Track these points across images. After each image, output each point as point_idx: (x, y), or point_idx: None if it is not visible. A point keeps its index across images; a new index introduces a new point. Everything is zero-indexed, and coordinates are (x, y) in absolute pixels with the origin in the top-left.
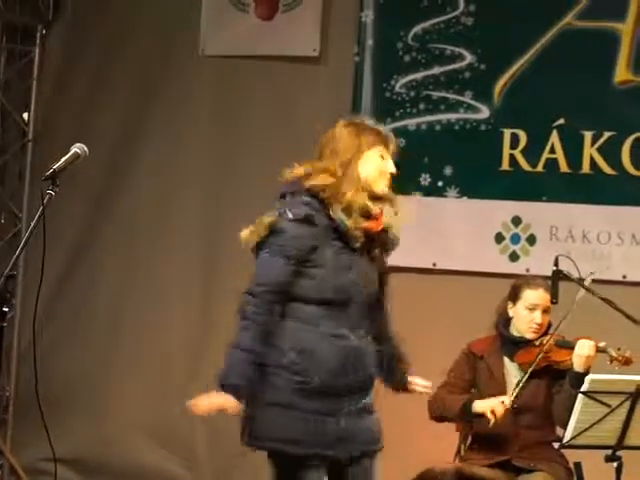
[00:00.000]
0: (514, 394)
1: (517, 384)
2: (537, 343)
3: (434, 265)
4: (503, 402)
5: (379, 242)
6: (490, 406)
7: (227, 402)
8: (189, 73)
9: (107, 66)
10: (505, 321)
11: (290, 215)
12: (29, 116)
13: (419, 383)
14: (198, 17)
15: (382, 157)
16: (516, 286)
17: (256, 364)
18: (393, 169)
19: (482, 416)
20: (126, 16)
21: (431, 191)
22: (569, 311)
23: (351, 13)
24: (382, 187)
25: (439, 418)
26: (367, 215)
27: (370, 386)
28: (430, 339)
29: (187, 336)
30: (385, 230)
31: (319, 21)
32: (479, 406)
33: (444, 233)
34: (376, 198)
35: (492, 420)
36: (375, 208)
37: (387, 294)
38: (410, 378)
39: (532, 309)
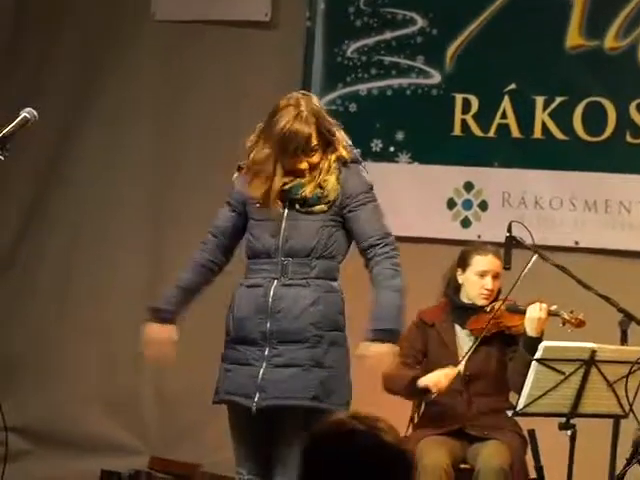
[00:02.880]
0: (464, 361)
1: (467, 351)
2: (488, 309)
3: None
4: (447, 374)
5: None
6: (433, 379)
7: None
8: (140, 38)
9: (56, 32)
10: (455, 288)
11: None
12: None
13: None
14: None
15: (290, 155)
16: (465, 252)
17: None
18: (303, 165)
19: (428, 391)
20: None
21: (382, 156)
22: (519, 276)
23: None
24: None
25: (390, 392)
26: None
27: (300, 338)
28: None
29: (134, 306)
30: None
31: None
32: (423, 381)
33: (395, 199)
34: None
35: (435, 393)
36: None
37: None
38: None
39: (482, 275)
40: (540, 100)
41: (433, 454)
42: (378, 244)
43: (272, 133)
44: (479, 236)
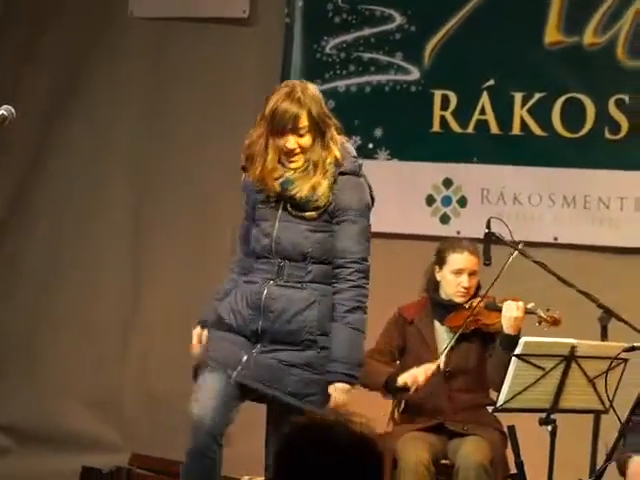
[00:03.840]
0: (442, 357)
1: (445, 347)
2: (467, 306)
3: None
4: (426, 369)
5: (282, 196)
6: (412, 376)
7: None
8: (119, 35)
9: (37, 30)
10: (434, 285)
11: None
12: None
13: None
14: None
15: (279, 134)
16: (441, 250)
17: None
18: (290, 145)
19: (406, 389)
20: None
21: (361, 153)
22: (499, 274)
23: None
24: (290, 165)
25: (369, 389)
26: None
27: (292, 341)
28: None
29: (119, 303)
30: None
31: None
32: (401, 379)
33: (375, 194)
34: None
35: (413, 389)
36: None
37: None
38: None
39: (458, 273)
40: (519, 96)
41: (414, 450)
42: (348, 268)
43: (264, 114)
44: (458, 232)
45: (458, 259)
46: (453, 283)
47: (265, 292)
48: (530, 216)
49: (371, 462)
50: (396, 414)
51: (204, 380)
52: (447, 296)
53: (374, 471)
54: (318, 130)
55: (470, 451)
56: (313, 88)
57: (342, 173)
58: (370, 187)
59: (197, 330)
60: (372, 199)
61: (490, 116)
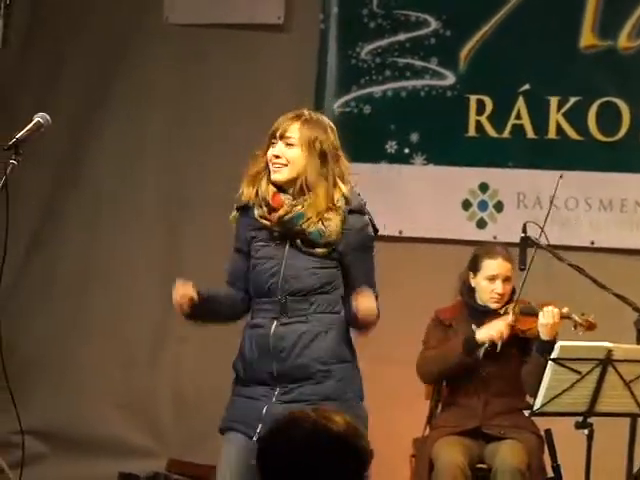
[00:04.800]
0: (510, 315)
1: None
2: (502, 312)
3: (400, 233)
4: (506, 322)
5: (291, 232)
6: (495, 330)
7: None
8: (153, 42)
9: (71, 35)
10: (469, 290)
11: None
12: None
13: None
14: None
15: (272, 145)
16: (475, 256)
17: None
18: (275, 151)
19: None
20: None
21: (397, 158)
22: (525, 276)
23: None
24: (273, 175)
25: (434, 376)
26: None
27: (307, 374)
28: (397, 307)
29: (152, 307)
30: (294, 220)
31: None
32: (483, 334)
33: (411, 200)
34: (276, 186)
35: (498, 338)
36: (267, 190)
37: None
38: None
39: (492, 279)
40: (554, 100)
41: (450, 453)
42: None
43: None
44: (495, 237)
45: (492, 265)
46: (487, 289)
47: (271, 333)
48: (566, 220)
49: (349, 461)
50: (433, 417)
51: (226, 453)
52: (482, 302)
53: (354, 470)
54: (317, 154)
55: (507, 455)
56: (324, 117)
57: (351, 211)
58: (372, 221)
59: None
60: (375, 231)
61: (526, 120)
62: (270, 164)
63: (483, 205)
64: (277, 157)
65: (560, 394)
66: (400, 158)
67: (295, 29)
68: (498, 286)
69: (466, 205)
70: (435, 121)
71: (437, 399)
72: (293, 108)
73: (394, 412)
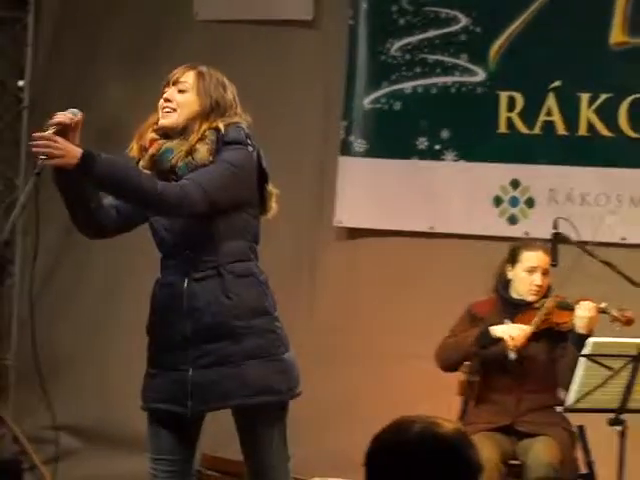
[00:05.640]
0: (534, 324)
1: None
2: (537, 305)
3: (431, 229)
4: (521, 328)
5: (164, 172)
6: (509, 331)
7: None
8: (183, 38)
9: (101, 32)
10: (504, 284)
11: None
12: (24, 83)
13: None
14: None
15: (163, 94)
16: (514, 248)
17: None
18: (166, 95)
19: (500, 342)
20: None
21: (428, 155)
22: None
23: None
24: (160, 120)
25: (451, 361)
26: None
27: (225, 333)
28: (428, 303)
29: None
30: (164, 156)
31: None
32: (498, 330)
33: (442, 197)
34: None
35: (512, 345)
36: (148, 138)
37: None
38: None
39: (531, 271)
40: (585, 97)
41: (484, 450)
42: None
43: None
44: (526, 233)
45: (532, 257)
46: (526, 281)
47: (185, 292)
48: (597, 216)
49: (461, 470)
50: (465, 414)
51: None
52: (518, 295)
53: (461, 476)
54: (208, 104)
55: (540, 451)
56: (221, 74)
57: (226, 143)
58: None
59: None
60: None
61: (557, 117)
62: (160, 110)
63: (514, 201)
64: (167, 100)
65: (592, 390)
66: (431, 154)
67: (325, 25)
68: (537, 278)
69: (497, 201)
70: (466, 118)
71: (469, 395)
72: (323, 104)
73: (424, 409)
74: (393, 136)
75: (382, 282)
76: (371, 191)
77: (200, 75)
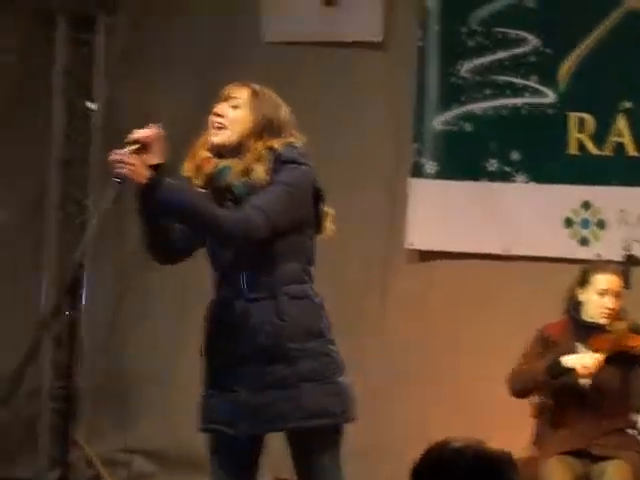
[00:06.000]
0: (603, 354)
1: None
2: (609, 328)
3: (503, 251)
4: (592, 356)
5: (220, 191)
6: (581, 360)
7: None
8: (250, 58)
9: (169, 53)
10: (576, 306)
11: None
12: (94, 104)
13: None
14: (259, 2)
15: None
16: (586, 271)
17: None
18: (217, 109)
19: (572, 371)
20: (187, 2)
21: (498, 176)
22: None
23: None
24: (211, 137)
25: (522, 389)
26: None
27: (280, 355)
28: (500, 325)
29: None
30: (220, 174)
31: (383, 6)
32: (569, 360)
33: (512, 218)
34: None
35: (584, 374)
36: (201, 156)
37: None
38: None
39: (602, 294)
40: None
41: (557, 473)
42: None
43: None
44: (598, 255)
45: (603, 280)
46: (597, 304)
47: (236, 311)
48: None
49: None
50: (538, 437)
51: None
52: (590, 317)
53: None
54: (261, 122)
55: (614, 475)
56: (275, 94)
57: (284, 162)
58: (309, 166)
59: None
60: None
61: (627, 138)
62: (210, 126)
63: (585, 223)
64: (218, 115)
65: None
66: (501, 176)
67: (394, 47)
68: (608, 301)
69: (568, 223)
70: (536, 139)
71: (543, 418)
72: (392, 125)
73: (497, 431)
74: (463, 158)
75: (454, 304)
76: (442, 213)
77: (253, 92)
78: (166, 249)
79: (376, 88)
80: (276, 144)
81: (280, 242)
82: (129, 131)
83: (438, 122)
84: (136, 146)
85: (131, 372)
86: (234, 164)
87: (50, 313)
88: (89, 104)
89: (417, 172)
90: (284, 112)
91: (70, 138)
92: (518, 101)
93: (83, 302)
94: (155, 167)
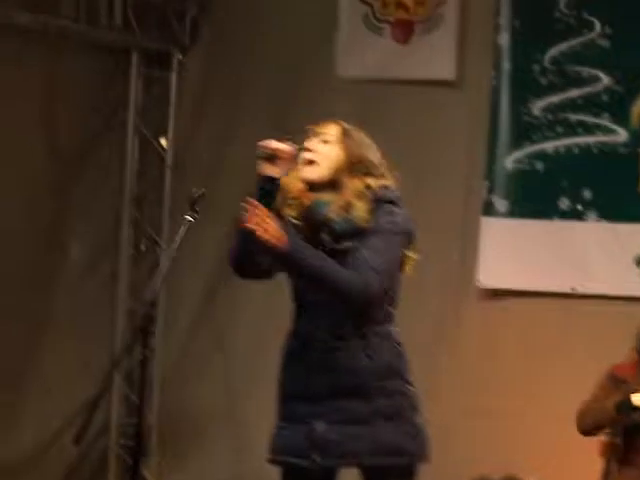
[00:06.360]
0: None
1: None
2: None
3: (573, 289)
4: None
5: (316, 225)
6: None
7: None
8: (325, 96)
9: (243, 90)
10: None
11: None
12: (167, 142)
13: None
14: (334, 40)
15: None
16: None
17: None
18: (309, 144)
19: None
20: (262, 40)
21: (570, 215)
22: None
23: (488, 37)
24: (303, 172)
25: (591, 427)
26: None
27: (360, 392)
28: (569, 362)
29: None
30: (318, 207)
31: (455, 45)
32: (638, 399)
33: (583, 257)
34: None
35: None
36: (297, 188)
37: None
38: None
39: None
40: None
41: None
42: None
43: None
44: None
45: None
46: None
47: (320, 347)
48: None
49: None
50: (607, 474)
51: None
52: None
53: None
54: (352, 159)
55: None
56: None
57: (380, 202)
58: (406, 217)
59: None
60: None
61: None
62: (301, 161)
63: None
64: (309, 150)
65: None
66: (572, 214)
67: (467, 85)
68: None
69: (639, 261)
70: (607, 177)
71: (611, 457)
72: (464, 163)
73: (565, 469)
74: (535, 196)
75: (524, 341)
76: (513, 251)
77: (344, 130)
78: (253, 267)
79: (449, 126)
80: (373, 183)
81: None
82: (202, 171)
83: (510, 160)
84: (268, 155)
85: (201, 407)
86: (334, 199)
87: (121, 350)
88: (162, 141)
89: (488, 210)
90: (375, 151)
91: (143, 175)
92: (590, 139)
93: (156, 338)
94: (267, 178)
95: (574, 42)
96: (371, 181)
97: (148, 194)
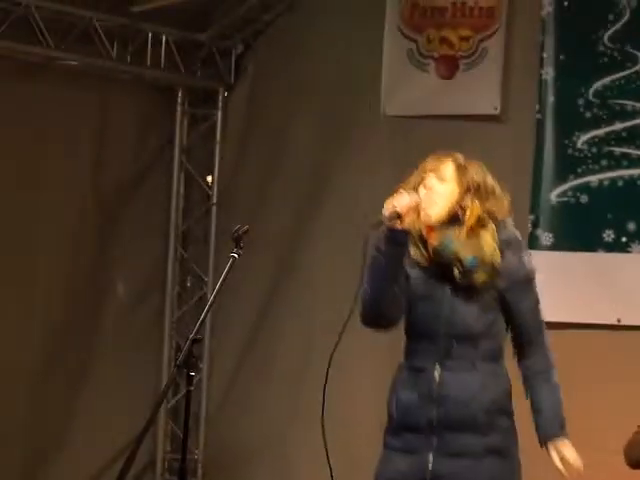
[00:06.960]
0: None
1: None
2: None
3: (618, 321)
4: None
5: (446, 262)
6: None
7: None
8: (371, 133)
9: (288, 128)
10: None
11: None
12: (213, 180)
13: (565, 456)
14: (379, 76)
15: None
16: None
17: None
18: (426, 183)
19: None
20: (307, 77)
21: (615, 247)
22: None
23: (532, 71)
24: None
25: (639, 460)
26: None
27: (471, 425)
28: (615, 394)
29: (375, 401)
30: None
31: (500, 79)
32: None
33: (628, 288)
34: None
35: None
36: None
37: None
38: (552, 445)
39: None
40: None
41: None
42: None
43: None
44: None
45: None
46: None
47: (437, 379)
48: None
49: None
50: None
51: None
52: None
53: None
54: (469, 191)
55: None
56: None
57: (506, 243)
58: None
59: None
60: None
61: None
62: (420, 199)
63: None
64: (426, 189)
65: None
66: (617, 247)
67: (511, 119)
68: None
69: None
70: None
71: None
72: (512, 199)
73: None
74: (579, 229)
75: (569, 374)
76: (557, 284)
77: (458, 166)
78: (391, 305)
79: (493, 159)
80: (494, 207)
81: (495, 321)
82: (247, 208)
83: (554, 194)
84: (395, 217)
85: (245, 441)
86: (455, 234)
87: (165, 386)
88: (208, 178)
89: (533, 244)
90: (490, 179)
91: (189, 212)
92: (635, 172)
93: (202, 373)
94: (400, 232)
95: (618, 76)
96: (492, 205)
97: (194, 231)
